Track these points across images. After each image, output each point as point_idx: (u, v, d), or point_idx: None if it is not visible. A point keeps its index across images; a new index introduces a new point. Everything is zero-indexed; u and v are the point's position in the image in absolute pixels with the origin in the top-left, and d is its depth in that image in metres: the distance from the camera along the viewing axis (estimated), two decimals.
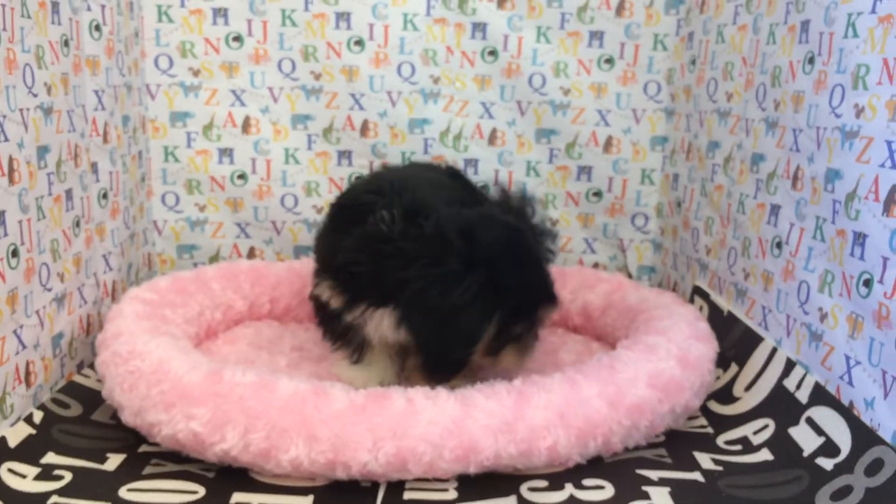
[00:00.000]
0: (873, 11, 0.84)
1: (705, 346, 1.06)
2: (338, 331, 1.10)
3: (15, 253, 0.92)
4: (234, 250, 1.56)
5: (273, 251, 1.57)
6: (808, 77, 0.97)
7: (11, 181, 0.91)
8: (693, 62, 1.39)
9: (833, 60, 0.92)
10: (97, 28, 1.17)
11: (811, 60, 0.97)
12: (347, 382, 1.06)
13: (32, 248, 0.96)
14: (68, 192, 1.07)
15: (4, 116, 0.89)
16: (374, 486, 0.85)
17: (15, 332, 0.92)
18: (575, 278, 1.44)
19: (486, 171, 1.54)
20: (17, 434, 0.90)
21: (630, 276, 1.58)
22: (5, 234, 0.90)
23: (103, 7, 1.19)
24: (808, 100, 0.97)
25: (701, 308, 1.27)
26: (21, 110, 0.93)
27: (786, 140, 1.03)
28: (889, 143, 0.81)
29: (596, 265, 1.59)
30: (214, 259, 1.56)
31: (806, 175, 0.98)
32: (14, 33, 0.91)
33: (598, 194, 1.56)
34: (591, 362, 1.00)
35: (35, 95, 0.96)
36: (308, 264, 1.44)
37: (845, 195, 0.88)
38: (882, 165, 0.82)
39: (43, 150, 0.99)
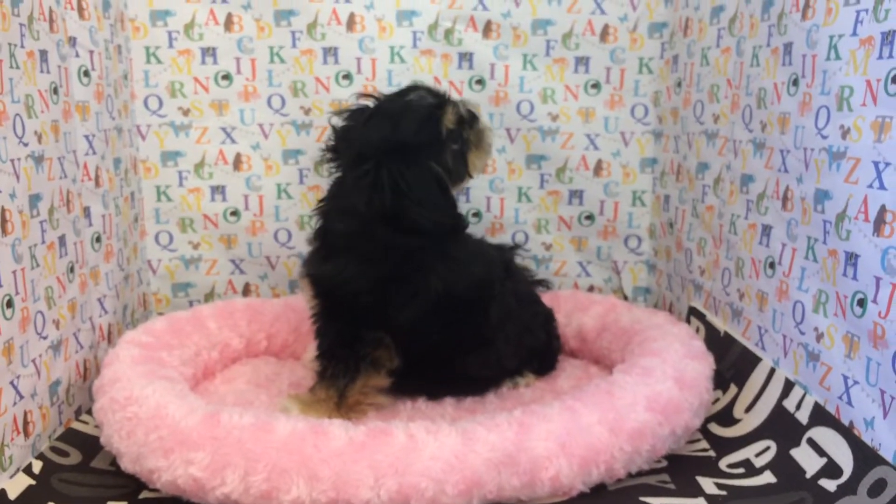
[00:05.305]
0: (854, 34, 0.85)
1: (701, 365, 1.07)
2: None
3: (10, 303, 0.91)
4: (230, 287, 1.56)
5: (268, 286, 1.56)
6: (793, 98, 0.98)
7: (4, 232, 0.91)
8: (679, 84, 1.40)
9: (817, 82, 0.93)
10: (86, 73, 1.18)
11: (795, 82, 0.98)
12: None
13: (27, 297, 0.96)
14: (61, 239, 1.07)
15: None
16: None
17: (12, 382, 0.92)
18: (569, 302, 1.45)
19: (478, 198, 1.54)
20: (16, 486, 0.89)
21: (626, 297, 1.58)
22: (0, 286, 0.89)
23: (91, 52, 1.19)
24: (794, 121, 0.98)
25: (697, 329, 1.28)
26: (12, 160, 0.93)
27: (774, 161, 1.04)
28: (876, 163, 0.81)
29: (591, 288, 1.60)
30: (210, 296, 1.55)
31: (796, 195, 0.98)
32: (3, 84, 0.91)
33: (590, 217, 1.57)
34: (588, 389, 1.00)
35: (26, 145, 0.97)
36: (303, 300, 1.44)
37: (835, 215, 0.89)
38: (870, 186, 0.82)
39: (35, 199, 0.99)
